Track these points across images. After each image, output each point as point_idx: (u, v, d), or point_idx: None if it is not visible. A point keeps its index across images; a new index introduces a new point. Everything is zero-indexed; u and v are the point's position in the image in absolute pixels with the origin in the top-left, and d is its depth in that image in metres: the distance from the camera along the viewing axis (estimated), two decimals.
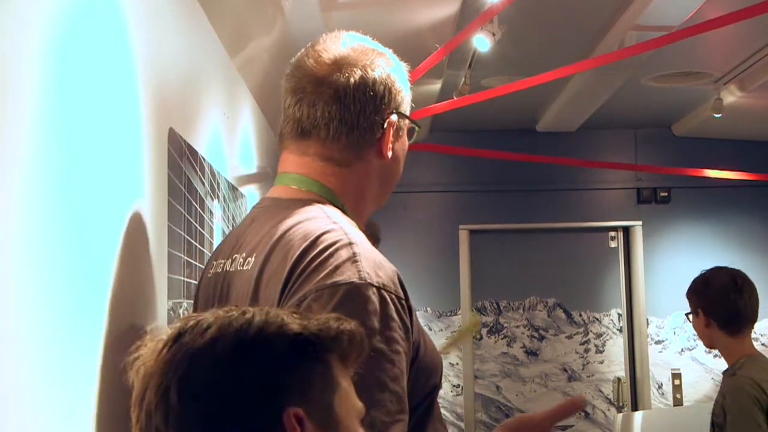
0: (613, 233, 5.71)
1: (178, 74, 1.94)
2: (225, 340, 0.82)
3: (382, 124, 1.44)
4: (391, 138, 1.45)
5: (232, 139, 2.73)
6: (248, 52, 2.94)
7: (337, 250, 1.26)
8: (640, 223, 5.61)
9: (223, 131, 2.54)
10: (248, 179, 3.11)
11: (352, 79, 1.44)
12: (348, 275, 1.23)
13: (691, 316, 2.86)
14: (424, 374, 1.36)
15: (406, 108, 1.49)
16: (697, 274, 2.88)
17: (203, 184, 2.13)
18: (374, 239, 2.94)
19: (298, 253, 1.28)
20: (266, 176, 3.57)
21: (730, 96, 4.56)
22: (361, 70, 1.44)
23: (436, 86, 4.17)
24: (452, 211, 5.61)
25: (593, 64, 3.36)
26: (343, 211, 1.42)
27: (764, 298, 5.51)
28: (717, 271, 2.85)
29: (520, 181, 5.55)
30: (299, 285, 1.25)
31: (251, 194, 3.13)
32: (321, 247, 1.27)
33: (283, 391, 0.82)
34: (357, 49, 1.47)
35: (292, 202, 1.42)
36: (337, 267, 1.24)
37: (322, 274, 1.24)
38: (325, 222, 1.33)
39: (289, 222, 1.36)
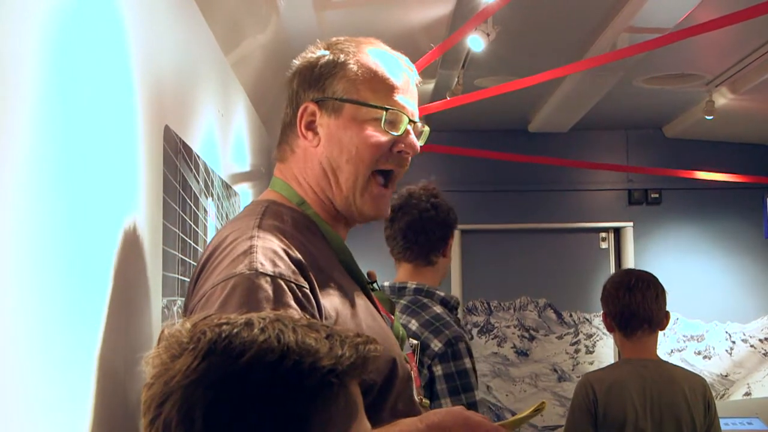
0: (604, 234, 5.73)
1: (174, 71, 1.94)
2: (259, 370, 0.80)
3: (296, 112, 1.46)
4: (301, 122, 1.43)
5: (225, 137, 2.72)
6: (242, 50, 2.93)
7: (236, 245, 1.30)
8: (631, 224, 5.63)
9: (217, 129, 2.53)
10: (241, 177, 3.10)
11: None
12: (240, 268, 1.26)
13: None
14: None
15: (350, 91, 1.42)
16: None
17: (198, 181, 2.13)
18: (449, 308, 2.45)
19: (207, 253, 1.35)
20: (259, 175, 3.57)
21: (722, 98, 4.58)
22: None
23: (429, 86, 4.17)
24: None
25: (586, 66, 3.38)
26: (304, 205, 1.43)
27: (757, 298, 5.58)
28: None
29: (511, 181, 5.57)
30: (203, 283, 1.30)
31: (244, 192, 3.13)
32: (224, 245, 1.32)
33: (306, 426, 0.81)
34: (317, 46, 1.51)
35: (255, 202, 1.49)
36: (232, 261, 1.28)
37: (219, 270, 1.28)
38: (244, 220, 1.37)
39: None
